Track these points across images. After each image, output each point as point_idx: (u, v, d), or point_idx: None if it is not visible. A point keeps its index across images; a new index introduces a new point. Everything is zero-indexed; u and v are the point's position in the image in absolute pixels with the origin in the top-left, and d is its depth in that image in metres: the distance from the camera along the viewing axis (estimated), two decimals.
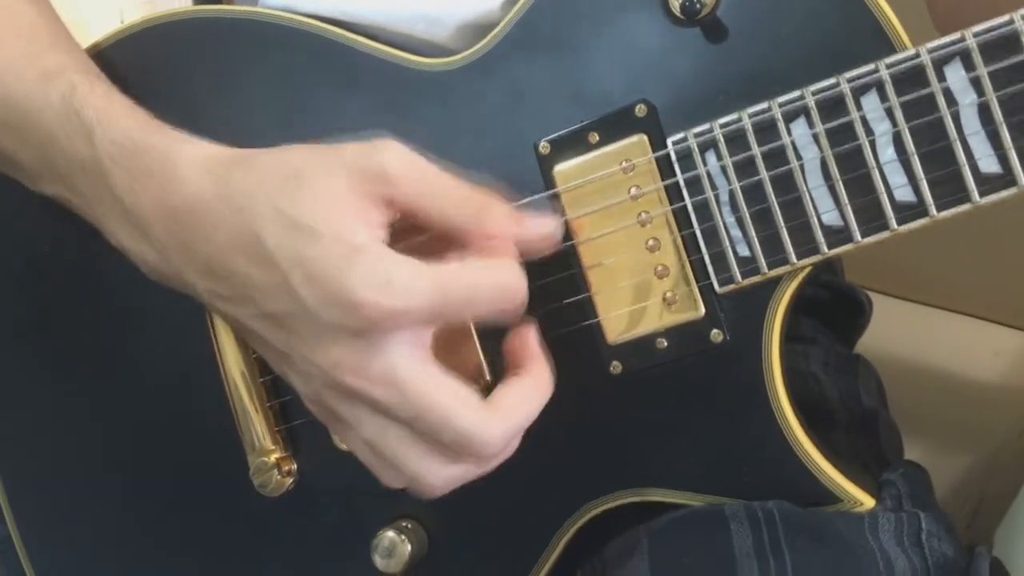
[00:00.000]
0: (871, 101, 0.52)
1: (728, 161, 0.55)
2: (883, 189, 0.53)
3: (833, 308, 0.85)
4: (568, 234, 0.59)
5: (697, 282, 0.57)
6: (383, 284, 0.47)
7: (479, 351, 0.56)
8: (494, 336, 0.56)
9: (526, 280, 0.51)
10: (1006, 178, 0.51)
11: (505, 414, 0.51)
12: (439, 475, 0.51)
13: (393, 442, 0.51)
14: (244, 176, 0.50)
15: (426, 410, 0.49)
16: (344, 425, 0.52)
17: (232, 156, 0.52)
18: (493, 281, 0.50)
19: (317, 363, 0.49)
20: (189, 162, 0.53)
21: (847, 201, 0.53)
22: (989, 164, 0.51)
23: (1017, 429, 1.17)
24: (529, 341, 0.54)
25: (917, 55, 0.51)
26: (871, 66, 0.52)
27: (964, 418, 1.19)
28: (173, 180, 0.53)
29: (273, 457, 0.66)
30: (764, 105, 0.54)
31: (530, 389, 0.53)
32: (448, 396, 0.49)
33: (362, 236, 0.48)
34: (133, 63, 0.66)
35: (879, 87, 0.52)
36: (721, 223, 0.56)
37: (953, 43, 0.51)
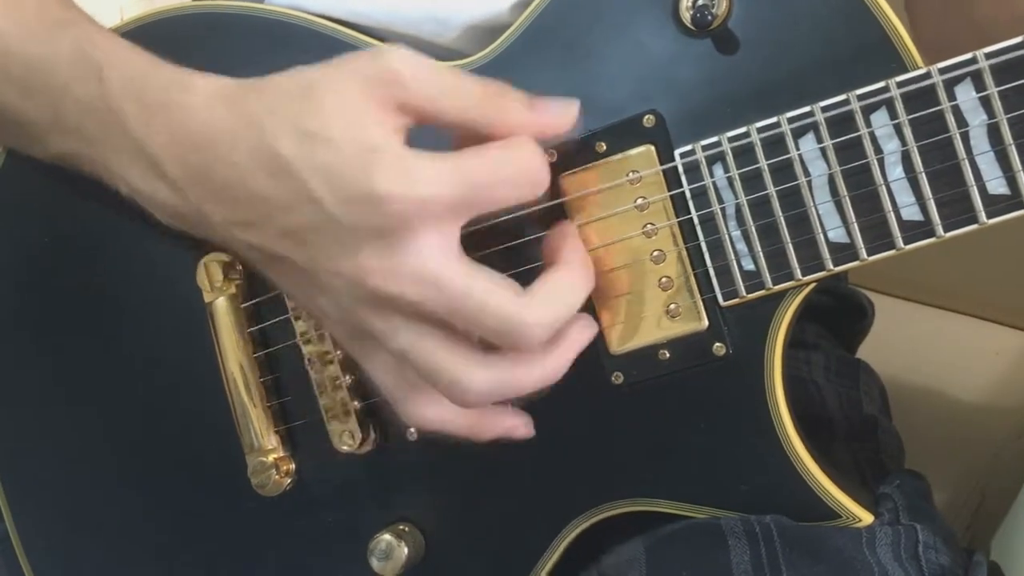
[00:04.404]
0: (881, 118, 0.52)
1: (735, 174, 0.55)
2: (890, 207, 0.52)
3: (835, 313, 0.85)
4: None
5: (701, 294, 0.57)
6: (404, 176, 0.46)
7: None
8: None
9: (546, 159, 0.50)
10: (1014, 200, 0.51)
11: (545, 299, 0.51)
12: (478, 377, 0.50)
13: (430, 347, 0.50)
14: (258, 97, 0.50)
15: (464, 297, 0.48)
16: (375, 343, 0.52)
17: (244, 83, 0.52)
18: (513, 159, 0.49)
19: (344, 273, 0.49)
20: (202, 91, 0.52)
21: (854, 218, 0.53)
22: (997, 185, 0.51)
23: (1017, 429, 1.16)
24: (568, 236, 0.54)
25: (928, 74, 0.51)
26: (881, 84, 0.51)
27: (964, 418, 1.19)
28: (187, 109, 0.52)
29: (272, 457, 0.66)
30: (773, 119, 0.53)
31: (570, 276, 0.53)
32: (485, 282, 0.49)
33: (378, 137, 0.47)
34: None
35: (889, 104, 0.51)
36: (727, 236, 0.55)
37: (965, 63, 0.50)
